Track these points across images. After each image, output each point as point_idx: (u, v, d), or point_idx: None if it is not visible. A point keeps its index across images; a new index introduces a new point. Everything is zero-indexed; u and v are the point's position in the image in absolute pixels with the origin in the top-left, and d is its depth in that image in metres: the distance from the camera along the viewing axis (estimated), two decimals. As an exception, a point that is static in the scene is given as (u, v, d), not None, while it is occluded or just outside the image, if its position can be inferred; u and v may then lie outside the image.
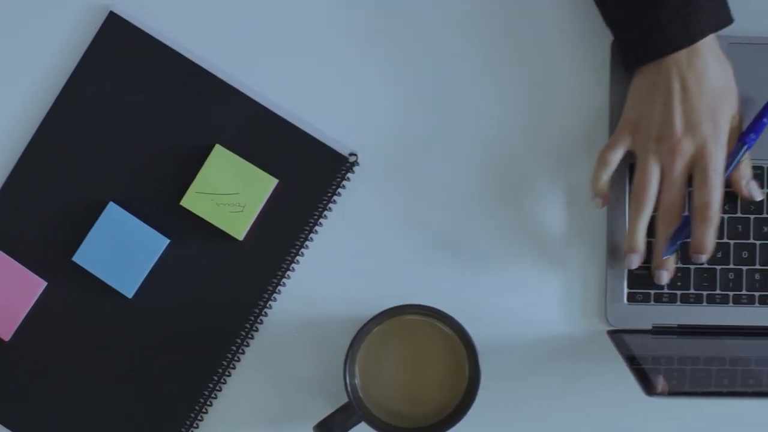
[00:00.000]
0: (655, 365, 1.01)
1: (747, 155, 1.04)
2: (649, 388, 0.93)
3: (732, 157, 1.02)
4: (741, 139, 1.02)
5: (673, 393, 0.93)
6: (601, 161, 1.04)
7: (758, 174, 1.07)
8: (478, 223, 1.07)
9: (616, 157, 1.04)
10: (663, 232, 1.03)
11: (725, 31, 1.05)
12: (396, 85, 1.07)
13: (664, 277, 1.05)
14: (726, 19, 1.01)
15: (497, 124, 1.07)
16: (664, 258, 1.03)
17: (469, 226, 1.07)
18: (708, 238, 1.01)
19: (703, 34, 0.99)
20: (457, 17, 1.07)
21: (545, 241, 1.07)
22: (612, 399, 1.07)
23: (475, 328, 1.05)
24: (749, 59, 1.06)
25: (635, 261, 1.04)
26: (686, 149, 1.00)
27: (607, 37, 1.06)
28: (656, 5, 0.99)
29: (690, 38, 0.99)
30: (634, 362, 0.99)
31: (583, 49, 1.07)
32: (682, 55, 1.00)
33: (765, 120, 1.02)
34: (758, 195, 1.05)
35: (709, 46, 1.00)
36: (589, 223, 1.07)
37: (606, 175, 1.04)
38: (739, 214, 1.07)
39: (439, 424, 1.02)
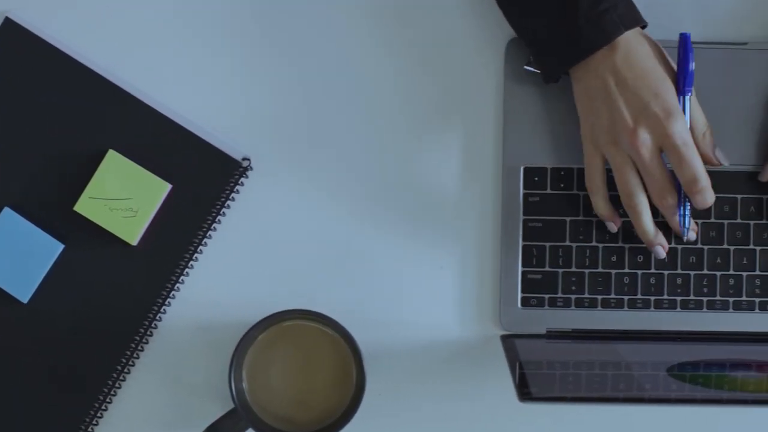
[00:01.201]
0: (544, 370, 1.01)
1: (708, 126, 1.02)
2: (523, 394, 0.92)
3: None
4: (679, 93, 1.01)
5: (539, 399, 0.92)
6: (589, 190, 1.04)
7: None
8: (371, 227, 1.07)
9: (598, 178, 1.03)
10: (670, 216, 1.02)
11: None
12: (289, 88, 1.07)
13: (660, 252, 1.04)
14: (639, 18, 1.00)
15: (391, 126, 1.07)
16: (685, 235, 1.03)
17: (363, 230, 1.07)
18: (710, 200, 1.00)
19: (619, 31, 0.98)
20: (352, 18, 1.07)
21: (439, 245, 1.07)
22: (506, 403, 1.06)
23: (368, 333, 1.05)
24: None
25: (660, 252, 1.05)
26: (643, 135, 0.99)
27: (502, 39, 1.05)
28: (567, 12, 0.98)
29: (607, 36, 0.98)
30: (523, 367, 0.98)
31: (478, 50, 1.07)
32: (604, 52, 0.99)
33: (689, 64, 1.00)
34: (725, 160, 1.03)
35: (628, 37, 0.99)
36: (483, 228, 1.07)
37: (601, 200, 1.04)
38: (633, 218, 1.06)
39: (326, 428, 1.02)
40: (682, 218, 1.02)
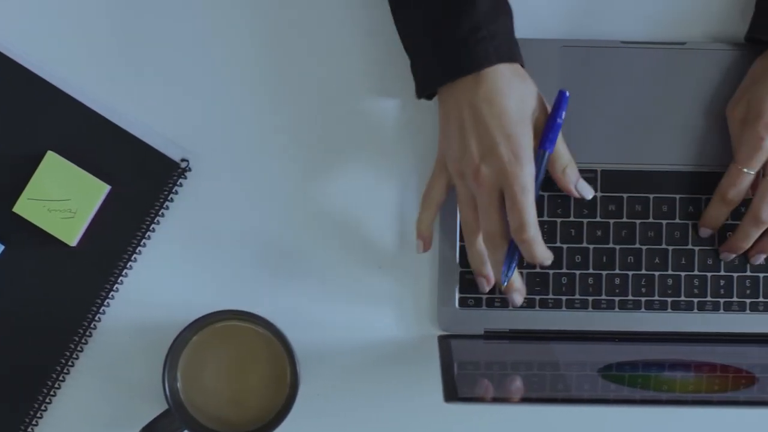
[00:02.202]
0: (478, 370, 1.01)
1: (570, 161, 1.02)
2: (449, 394, 0.92)
3: (537, 166, 1.00)
4: (540, 145, 1.01)
5: (464, 399, 0.92)
6: (422, 203, 1.04)
7: (591, 178, 1.06)
8: (309, 228, 1.07)
9: (435, 196, 1.03)
10: (493, 260, 1.01)
11: (557, 34, 1.05)
12: (228, 90, 1.07)
13: (517, 298, 1.04)
14: (515, 55, 1.00)
15: (330, 127, 1.07)
16: (504, 284, 1.02)
17: (301, 230, 1.07)
18: (537, 254, 1.00)
19: (489, 62, 0.98)
20: (287, 21, 1.07)
21: (378, 245, 1.07)
22: (443, 404, 1.06)
23: (307, 333, 1.06)
24: (581, 62, 1.06)
25: (483, 285, 1.04)
26: (486, 174, 0.98)
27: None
28: (446, 32, 0.98)
29: (477, 64, 0.98)
30: (454, 367, 0.98)
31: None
32: (469, 81, 0.98)
33: (558, 120, 1.00)
34: (589, 193, 1.04)
35: (498, 72, 0.98)
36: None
37: (427, 217, 1.03)
38: (572, 218, 1.06)
39: (260, 428, 1.02)
40: (505, 268, 1.01)
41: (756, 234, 1.03)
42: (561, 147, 1.02)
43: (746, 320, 1.06)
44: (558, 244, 1.06)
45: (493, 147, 0.98)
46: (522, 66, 1.01)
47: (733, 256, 1.05)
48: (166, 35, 1.07)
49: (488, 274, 1.03)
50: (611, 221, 1.06)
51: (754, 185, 1.04)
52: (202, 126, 1.07)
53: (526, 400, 0.95)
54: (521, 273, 1.05)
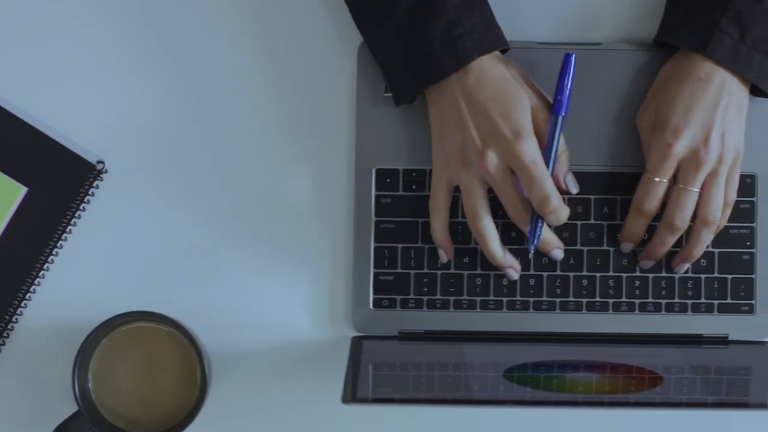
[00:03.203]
0: (389, 371, 1.01)
1: (566, 149, 1.02)
2: (346, 396, 0.92)
3: (549, 135, 1.00)
4: (552, 111, 1.01)
5: (362, 401, 0.92)
6: (432, 212, 1.04)
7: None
8: (225, 230, 1.07)
9: (442, 201, 1.03)
10: (524, 229, 1.02)
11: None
12: (145, 92, 1.08)
13: (557, 254, 1.04)
14: (496, 42, 1.00)
15: (244, 129, 1.08)
16: (531, 250, 1.03)
17: (216, 232, 1.07)
18: (563, 219, 1.00)
19: (471, 57, 0.98)
20: (211, 22, 1.07)
21: (293, 247, 1.07)
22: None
23: (223, 334, 1.06)
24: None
25: (513, 275, 1.05)
26: (492, 158, 0.99)
27: (355, 43, 1.06)
28: (421, 36, 0.99)
29: (459, 61, 0.98)
30: (359, 368, 0.99)
31: (330, 52, 1.08)
32: (457, 75, 0.99)
33: (565, 82, 1.00)
34: (575, 188, 1.04)
35: (482, 60, 0.99)
36: (336, 230, 1.07)
37: (439, 224, 1.03)
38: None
39: (171, 429, 1.02)
40: (531, 235, 1.02)
41: (672, 240, 1.03)
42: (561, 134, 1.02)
43: (661, 321, 1.06)
44: (472, 246, 1.06)
45: (494, 128, 0.98)
46: (507, 48, 1.01)
47: (652, 263, 1.05)
48: (82, 37, 1.08)
49: (513, 263, 1.04)
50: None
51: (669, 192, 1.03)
52: (119, 128, 1.07)
53: (425, 401, 0.95)
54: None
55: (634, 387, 0.97)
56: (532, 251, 1.03)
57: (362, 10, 1.01)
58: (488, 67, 0.99)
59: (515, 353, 1.04)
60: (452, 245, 1.04)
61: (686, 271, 1.06)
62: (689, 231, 1.03)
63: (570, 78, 1.00)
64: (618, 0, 1.07)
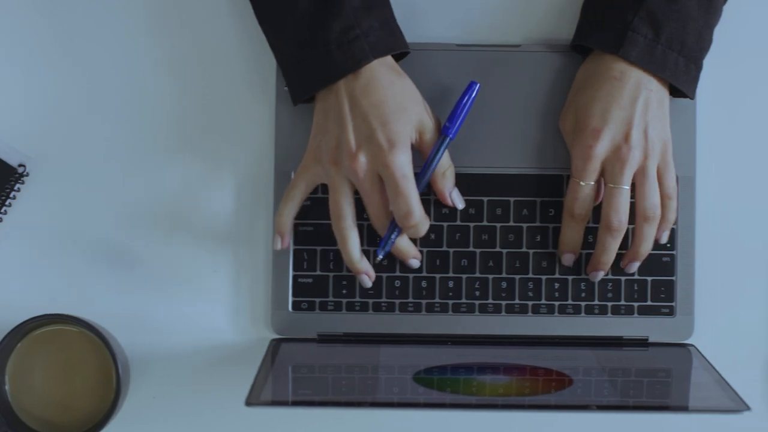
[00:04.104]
0: (312, 374, 1.01)
1: (450, 165, 1.02)
2: (249, 398, 0.92)
3: (432, 153, 1.01)
4: (442, 131, 1.01)
5: (264, 403, 0.92)
6: (285, 197, 1.03)
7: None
8: (146, 232, 1.07)
9: (300, 191, 1.03)
10: (382, 235, 1.03)
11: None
12: (67, 94, 1.08)
13: (415, 263, 1.04)
14: (394, 45, 1.01)
15: (166, 132, 1.08)
16: (380, 256, 1.03)
17: (138, 235, 1.07)
18: (422, 233, 1.01)
19: (367, 59, 0.99)
20: (132, 27, 1.08)
21: (213, 250, 1.07)
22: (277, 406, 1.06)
23: (143, 337, 1.06)
24: (415, 65, 1.05)
25: (366, 281, 1.04)
26: (362, 161, 0.99)
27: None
28: (318, 36, 0.99)
29: (355, 63, 0.99)
30: (268, 371, 0.99)
31: (250, 60, 1.08)
32: (348, 77, 0.99)
33: (462, 106, 1.01)
34: (461, 204, 1.04)
35: (378, 63, 0.99)
36: (257, 232, 1.07)
37: (288, 211, 1.03)
38: (405, 222, 1.06)
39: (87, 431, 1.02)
40: (384, 242, 1.02)
41: (614, 244, 1.02)
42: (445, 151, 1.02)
43: (581, 323, 1.06)
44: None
45: (371, 135, 0.98)
46: (407, 50, 1.02)
47: (602, 273, 1.04)
48: (2, 40, 1.08)
49: (368, 269, 1.04)
50: (445, 224, 1.06)
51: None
52: (40, 131, 1.08)
53: (336, 404, 0.95)
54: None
55: (545, 390, 0.97)
56: (380, 257, 1.03)
57: (263, 8, 1.02)
58: (380, 75, 0.99)
59: (433, 355, 1.04)
60: (289, 237, 1.03)
61: (607, 274, 1.05)
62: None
63: (469, 104, 1.00)
64: (538, 2, 1.07)
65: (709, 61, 1.03)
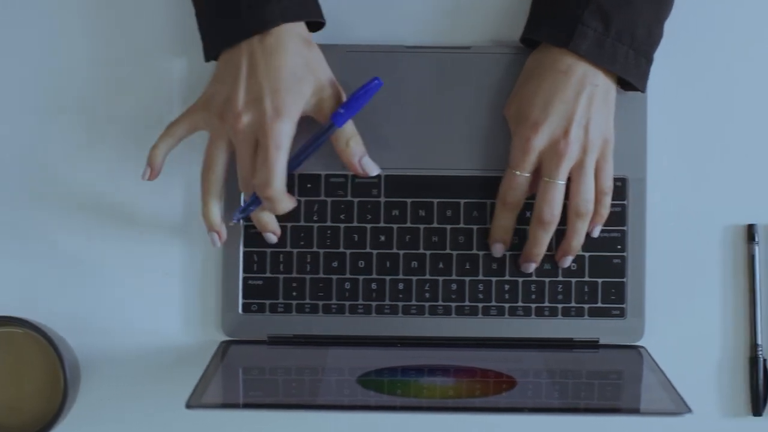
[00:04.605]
0: (262, 375, 1.01)
1: (354, 134, 1.01)
2: (190, 400, 0.92)
3: (315, 136, 1.01)
4: (331, 117, 1.01)
5: (203, 406, 0.92)
6: (164, 131, 1.03)
7: (374, 183, 1.06)
8: (95, 234, 1.07)
9: (179, 129, 1.02)
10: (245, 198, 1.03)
11: (342, 40, 1.04)
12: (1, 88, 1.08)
13: (271, 237, 1.04)
14: (307, 13, 1.00)
15: (107, 133, 1.08)
16: (234, 220, 1.03)
17: (87, 236, 1.07)
18: (279, 209, 1.01)
19: (275, 22, 0.99)
20: (59, 23, 1.08)
21: (164, 252, 1.07)
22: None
23: (94, 339, 1.06)
24: (365, 67, 1.05)
25: (215, 240, 1.03)
26: (245, 122, 0.99)
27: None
28: None
29: (263, 24, 0.98)
30: (212, 373, 0.99)
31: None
32: (254, 36, 0.99)
33: (357, 98, 1.00)
34: (373, 170, 1.03)
35: (288, 30, 0.99)
36: (207, 234, 1.07)
37: (163, 144, 1.02)
38: (355, 224, 1.06)
39: (34, 434, 1.03)
40: (242, 210, 1.02)
41: (545, 237, 1.03)
42: (347, 122, 1.01)
43: (531, 325, 1.06)
44: (341, 250, 1.06)
45: (259, 99, 0.98)
46: (321, 20, 1.01)
47: (534, 265, 1.04)
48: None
49: (219, 229, 1.03)
50: (395, 226, 1.06)
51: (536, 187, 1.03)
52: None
53: (274, 406, 0.95)
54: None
55: (490, 392, 0.97)
56: (234, 221, 1.03)
57: None
58: (286, 40, 0.99)
59: (382, 358, 1.04)
60: (158, 171, 1.03)
61: (558, 275, 1.05)
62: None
63: (365, 99, 1.00)
64: (488, 3, 1.07)
65: (662, 61, 1.03)
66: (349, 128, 1.01)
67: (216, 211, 1.02)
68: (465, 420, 1.05)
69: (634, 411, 0.97)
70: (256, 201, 1.01)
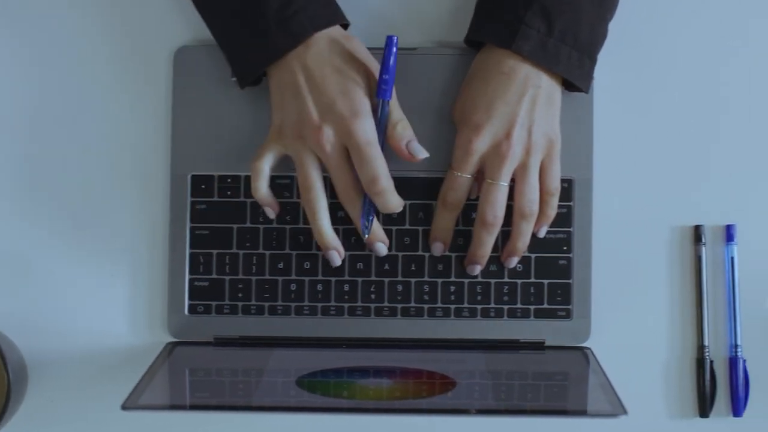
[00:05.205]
0: (199, 377, 1.02)
1: (402, 119, 1.01)
2: (125, 402, 0.93)
3: (378, 118, 1.00)
4: (376, 95, 1.00)
5: (139, 407, 0.92)
6: (252, 172, 1.03)
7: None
8: (42, 235, 1.08)
9: (264, 165, 1.02)
10: (353, 214, 1.02)
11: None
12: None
13: (381, 248, 1.04)
14: (333, 18, 1.00)
15: (58, 133, 1.08)
16: (366, 236, 1.02)
17: (34, 238, 1.08)
18: (391, 204, 1.00)
19: (307, 33, 0.99)
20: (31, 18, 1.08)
21: (110, 253, 1.07)
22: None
23: (41, 340, 1.07)
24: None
25: (335, 258, 1.03)
26: (328, 134, 0.99)
27: (171, 47, 1.06)
28: (256, 16, 0.99)
29: (295, 39, 0.99)
30: (153, 375, 0.99)
31: (145, 57, 1.08)
32: (297, 50, 0.99)
33: (388, 65, 0.99)
34: (422, 153, 1.02)
35: (321, 35, 1.00)
36: (154, 236, 1.07)
37: (260, 184, 1.02)
38: (301, 225, 1.06)
39: (-20, 435, 1.03)
40: (364, 219, 1.02)
41: (489, 238, 1.03)
42: (394, 105, 1.01)
43: (477, 326, 1.06)
44: (287, 251, 1.06)
45: (332, 105, 0.98)
46: (346, 25, 1.02)
47: (479, 267, 1.04)
48: None
49: (338, 246, 1.03)
50: (341, 228, 1.06)
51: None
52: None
53: (211, 407, 0.95)
54: (380, 223, 1.04)
55: (429, 393, 0.97)
56: (367, 236, 1.02)
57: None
58: (328, 44, 0.99)
59: (326, 359, 1.04)
60: (276, 203, 1.04)
61: (503, 276, 1.05)
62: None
63: (393, 60, 0.99)
64: (433, 4, 1.07)
65: (608, 61, 1.03)
66: (396, 113, 1.01)
67: (329, 230, 1.02)
68: (404, 422, 1.05)
69: (578, 413, 0.97)
70: (371, 205, 1.01)
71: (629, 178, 1.07)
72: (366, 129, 0.98)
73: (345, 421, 1.06)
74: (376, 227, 1.02)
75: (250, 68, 1.01)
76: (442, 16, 1.07)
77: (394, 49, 0.99)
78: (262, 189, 1.02)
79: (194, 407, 0.94)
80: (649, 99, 1.07)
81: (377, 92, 1.00)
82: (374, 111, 1.00)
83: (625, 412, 0.91)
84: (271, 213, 1.04)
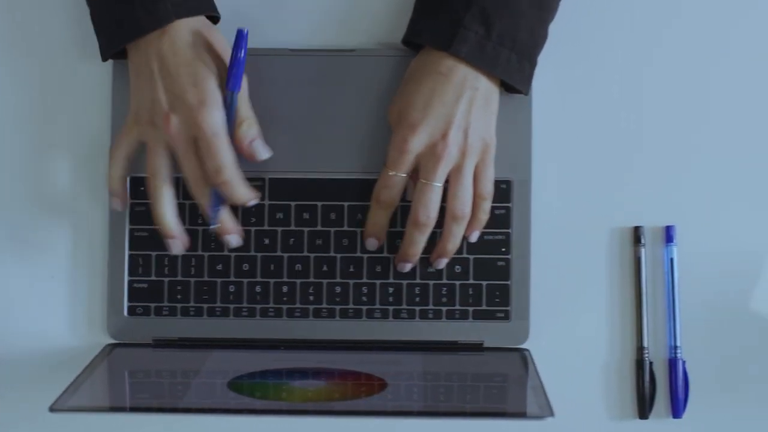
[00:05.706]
0: (139, 379, 1.02)
1: (247, 118, 1.02)
2: (55, 403, 0.93)
3: (228, 109, 1.00)
4: (226, 86, 1.00)
5: (66, 409, 0.92)
6: (111, 159, 1.03)
7: (259, 186, 1.05)
8: (-17, 238, 1.08)
9: (124, 151, 1.03)
10: (201, 205, 1.02)
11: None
12: None
13: (233, 240, 1.04)
14: (198, 8, 1.01)
15: (6, 137, 1.08)
16: (213, 226, 1.02)
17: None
18: (238, 195, 1.01)
19: (169, 19, 0.99)
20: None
21: (50, 255, 1.08)
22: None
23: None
24: (249, 70, 1.05)
25: (177, 246, 1.03)
26: (175, 122, 0.99)
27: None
28: None
29: (157, 22, 0.99)
30: (87, 377, 0.99)
31: (85, 51, 1.08)
32: (155, 35, 0.99)
33: (238, 57, 1.00)
34: (264, 153, 1.03)
35: (182, 24, 1.00)
36: (94, 237, 1.08)
37: (116, 171, 1.03)
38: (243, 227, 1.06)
39: None
40: (213, 211, 1.02)
41: (421, 238, 1.03)
42: (244, 102, 1.02)
43: (416, 328, 1.06)
44: (226, 253, 1.06)
45: (181, 95, 0.99)
46: (215, 15, 1.02)
47: (410, 265, 1.04)
48: None
49: (179, 233, 1.03)
50: (279, 229, 1.06)
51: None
52: None
53: (139, 409, 0.95)
54: (233, 215, 1.04)
55: (362, 395, 0.97)
56: (213, 226, 1.02)
57: None
58: (186, 33, 0.99)
59: (263, 360, 1.04)
60: (125, 195, 1.04)
61: (441, 278, 1.05)
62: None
63: (243, 53, 0.99)
64: (372, 5, 1.07)
65: (548, 63, 1.03)
66: (243, 111, 1.02)
67: (170, 218, 1.02)
68: (338, 424, 1.05)
69: (517, 414, 0.97)
70: (218, 198, 1.01)
71: (568, 179, 1.07)
72: (213, 120, 0.99)
73: (279, 424, 1.06)
74: (226, 219, 1.02)
75: (110, 43, 1.02)
76: (381, 17, 1.07)
77: (243, 42, 0.99)
78: (113, 176, 1.03)
79: (132, 409, 0.95)
80: (589, 100, 1.07)
81: (227, 84, 1.00)
82: (227, 104, 1.00)
83: (552, 414, 0.91)
84: (117, 204, 1.03)
